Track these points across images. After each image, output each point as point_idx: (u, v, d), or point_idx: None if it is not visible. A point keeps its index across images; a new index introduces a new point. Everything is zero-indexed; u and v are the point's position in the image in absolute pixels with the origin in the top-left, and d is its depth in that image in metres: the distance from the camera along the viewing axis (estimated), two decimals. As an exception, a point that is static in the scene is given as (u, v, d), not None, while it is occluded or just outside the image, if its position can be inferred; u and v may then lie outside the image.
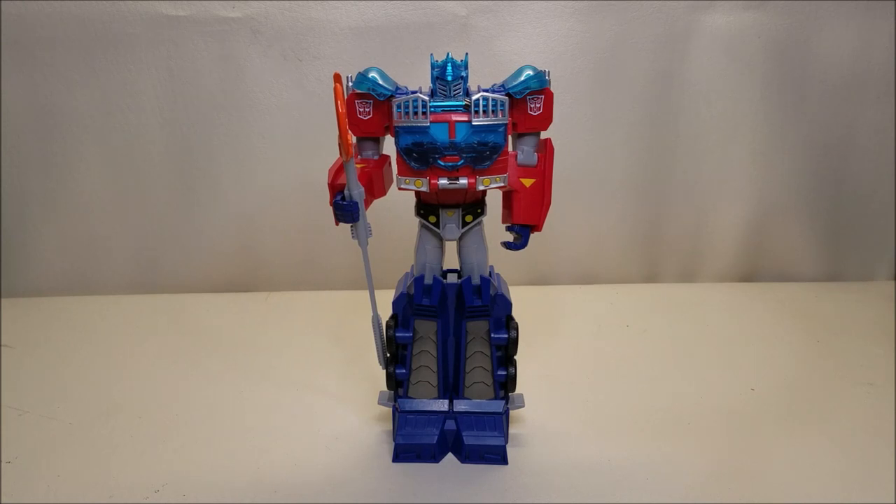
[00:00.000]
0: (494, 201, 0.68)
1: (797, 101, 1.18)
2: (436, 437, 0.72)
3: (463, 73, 0.62)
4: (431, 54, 0.65)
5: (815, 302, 1.18)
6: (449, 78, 0.61)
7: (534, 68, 0.63)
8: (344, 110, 0.57)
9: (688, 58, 1.15)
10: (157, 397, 0.86)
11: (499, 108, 0.61)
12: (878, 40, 1.15)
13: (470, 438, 0.72)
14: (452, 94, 0.62)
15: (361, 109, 0.64)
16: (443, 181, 0.62)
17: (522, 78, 0.62)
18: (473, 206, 0.67)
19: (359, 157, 0.67)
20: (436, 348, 0.72)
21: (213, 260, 1.25)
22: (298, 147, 1.17)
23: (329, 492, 0.67)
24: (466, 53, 0.65)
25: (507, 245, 0.69)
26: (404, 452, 0.72)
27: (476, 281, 0.69)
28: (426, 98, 0.61)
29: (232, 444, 0.76)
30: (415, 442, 0.72)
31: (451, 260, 0.70)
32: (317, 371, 0.93)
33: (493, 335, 0.71)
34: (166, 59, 1.12)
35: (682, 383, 0.89)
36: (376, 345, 0.72)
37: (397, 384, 0.73)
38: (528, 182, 0.66)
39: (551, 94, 0.64)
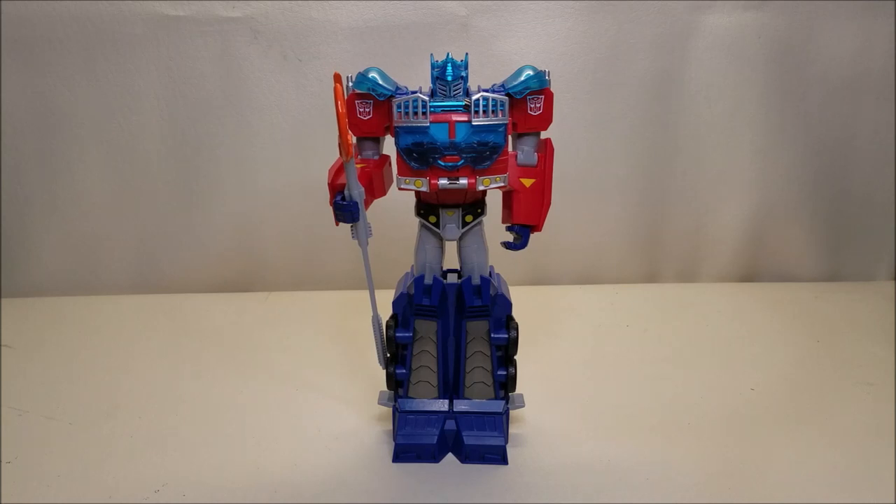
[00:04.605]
0: (494, 201, 0.68)
1: (797, 101, 1.18)
2: (436, 437, 0.72)
3: (463, 73, 0.62)
4: (431, 54, 0.65)
5: (815, 302, 1.18)
6: (449, 78, 0.61)
7: (534, 68, 0.63)
8: (344, 110, 0.57)
9: (688, 58, 1.15)
10: (157, 397, 0.86)
11: (499, 108, 0.61)
12: (878, 40, 1.14)
13: (470, 438, 0.72)
14: (452, 94, 0.62)
15: (361, 109, 0.64)
16: (443, 181, 0.62)
17: (522, 78, 0.62)
18: (473, 206, 0.67)
19: (359, 157, 0.67)
20: (436, 348, 0.72)
21: (213, 260, 1.25)
22: (298, 147, 1.17)
23: (329, 492, 0.67)
24: (466, 53, 0.65)
25: (506, 245, 0.69)
26: (404, 452, 0.72)
27: (476, 281, 0.69)
28: (426, 98, 0.61)
29: (232, 444, 0.76)
30: (415, 442, 0.72)
31: (451, 260, 0.70)
32: (317, 371, 0.93)
33: (493, 335, 0.71)
34: (166, 59, 1.12)
35: (682, 383, 0.89)
36: (376, 345, 0.72)
37: (397, 384, 0.73)
38: (528, 182, 0.66)
39: (551, 94, 0.64)
